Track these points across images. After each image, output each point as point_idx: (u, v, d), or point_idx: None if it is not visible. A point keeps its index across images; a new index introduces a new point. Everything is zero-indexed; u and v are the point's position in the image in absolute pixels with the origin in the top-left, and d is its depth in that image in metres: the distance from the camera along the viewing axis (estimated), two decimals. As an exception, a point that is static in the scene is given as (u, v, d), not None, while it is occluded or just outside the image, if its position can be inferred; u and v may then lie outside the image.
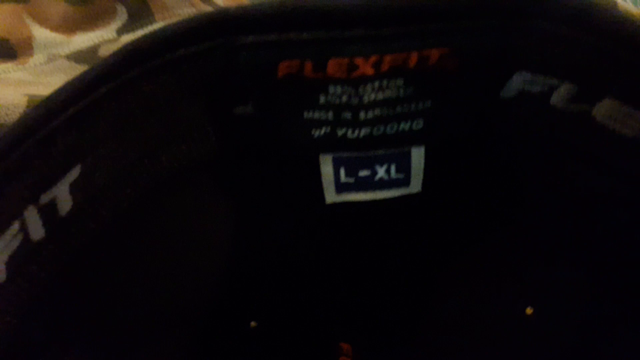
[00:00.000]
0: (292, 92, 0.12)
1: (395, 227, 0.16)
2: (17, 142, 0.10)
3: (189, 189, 0.14)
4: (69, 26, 0.38)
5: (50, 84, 0.35)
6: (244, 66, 0.12)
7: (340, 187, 0.14)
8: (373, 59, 0.11)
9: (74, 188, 0.11)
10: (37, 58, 0.37)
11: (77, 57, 0.37)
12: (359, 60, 0.11)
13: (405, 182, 0.14)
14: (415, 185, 0.14)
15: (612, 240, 0.15)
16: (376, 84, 0.12)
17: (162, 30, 0.11)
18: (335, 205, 0.15)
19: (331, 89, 0.12)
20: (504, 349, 0.17)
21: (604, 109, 0.12)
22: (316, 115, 0.13)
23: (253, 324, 0.17)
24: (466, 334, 0.18)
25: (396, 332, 0.18)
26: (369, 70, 0.11)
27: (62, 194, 0.11)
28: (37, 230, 0.11)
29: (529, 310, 0.17)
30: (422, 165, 0.14)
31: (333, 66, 0.11)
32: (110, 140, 0.12)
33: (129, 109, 0.12)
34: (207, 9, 0.41)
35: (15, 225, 0.11)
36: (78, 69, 0.38)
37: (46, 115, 0.11)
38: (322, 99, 0.12)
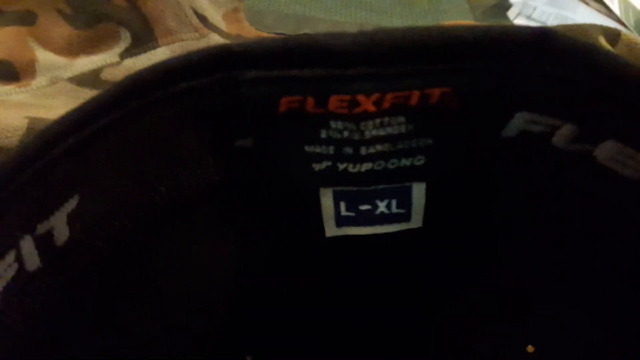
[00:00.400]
0: (293, 127, 0.12)
1: (395, 262, 0.16)
2: (16, 172, 0.10)
3: (188, 221, 0.14)
4: (73, 49, 0.39)
5: (52, 106, 0.36)
6: (246, 100, 0.12)
7: (341, 221, 0.14)
8: (375, 96, 0.11)
9: (71, 218, 0.11)
10: (40, 81, 0.37)
11: (79, 80, 0.38)
12: (360, 98, 0.11)
13: (406, 217, 0.14)
14: (416, 220, 0.14)
15: (613, 279, 0.14)
16: (377, 120, 0.12)
17: (164, 63, 0.11)
18: (335, 238, 0.14)
19: (333, 124, 0.12)
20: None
21: (605, 150, 0.12)
22: (317, 149, 0.13)
23: (249, 358, 0.17)
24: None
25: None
26: (371, 108, 0.11)
27: (59, 224, 0.11)
28: (32, 261, 0.11)
29: (530, 348, 0.17)
30: (423, 201, 0.14)
31: (335, 102, 0.11)
32: (109, 171, 0.12)
33: (129, 140, 0.12)
34: (211, 34, 0.41)
35: (11, 255, 0.10)
36: (80, 92, 0.38)
37: (45, 145, 0.11)
38: (323, 134, 0.12)
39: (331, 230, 0.14)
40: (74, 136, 0.11)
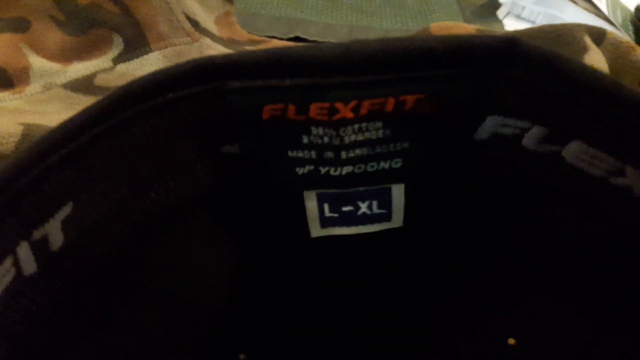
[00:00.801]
0: (276, 133, 0.13)
1: (379, 260, 0.16)
2: (12, 180, 0.11)
3: (181, 225, 0.14)
4: (66, 55, 0.39)
5: (46, 112, 0.36)
6: (231, 109, 0.12)
7: (325, 222, 0.15)
8: (352, 103, 0.12)
9: (65, 224, 0.12)
10: (34, 87, 0.38)
11: (73, 85, 0.38)
12: (339, 105, 0.12)
13: (387, 217, 0.15)
14: (397, 220, 0.15)
15: (589, 273, 0.15)
16: (356, 126, 0.12)
17: (153, 75, 0.12)
18: (320, 239, 0.15)
19: (314, 130, 0.13)
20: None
21: (572, 151, 0.12)
22: (300, 154, 0.13)
23: (242, 356, 0.18)
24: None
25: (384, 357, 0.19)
26: (349, 114, 0.12)
27: (54, 230, 0.12)
28: (29, 265, 0.12)
29: (511, 341, 0.18)
30: (403, 202, 0.14)
31: (315, 110, 0.12)
32: (102, 179, 0.12)
33: (120, 149, 0.12)
34: (203, 38, 0.42)
35: (8, 261, 0.11)
36: (74, 98, 0.39)
37: (40, 154, 0.11)
38: (305, 139, 0.13)
39: (316, 231, 0.15)
40: (67, 145, 0.11)
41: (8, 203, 0.11)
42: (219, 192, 0.14)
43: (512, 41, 0.11)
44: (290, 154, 0.13)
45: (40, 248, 0.12)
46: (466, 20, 0.50)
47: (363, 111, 0.12)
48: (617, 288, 0.15)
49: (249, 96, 0.12)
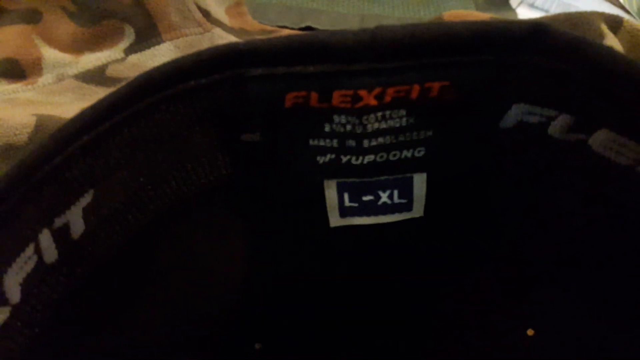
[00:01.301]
0: (298, 121, 0.13)
1: (398, 250, 0.16)
2: (34, 169, 0.11)
3: (198, 213, 0.14)
4: (78, 46, 0.39)
5: (59, 103, 0.36)
6: (253, 96, 0.12)
7: (344, 211, 0.15)
8: (376, 91, 0.12)
9: (86, 212, 0.12)
10: (46, 78, 0.38)
11: (85, 76, 0.38)
12: (362, 92, 0.12)
13: (408, 207, 0.14)
14: (418, 209, 0.15)
15: (607, 264, 0.15)
16: (379, 114, 0.12)
17: (175, 62, 0.12)
18: (339, 228, 0.15)
19: (336, 119, 0.12)
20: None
21: (599, 139, 0.12)
22: (321, 142, 0.13)
23: (258, 345, 0.18)
24: (470, 354, 0.18)
25: (399, 352, 0.19)
26: (373, 102, 0.12)
27: (75, 218, 0.12)
28: (50, 253, 0.11)
29: (530, 332, 0.18)
30: (424, 191, 0.14)
31: (338, 97, 0.12)
32: (122, 167, 0.12)
33: (141, 136, 0.12)
34: (214, 29, 0.41)
35: (31, 248, 0.11)
36: (86, 89, 0.39)
37: (62, 143, 0.11)
38: (327, 128, 0.13)
39: (335, 220, 0.15)
40: (88, 133, 0.11)
41: (30, 191, 0.11)
42: (238, 181, 0.14)
43: (538, 27, 0.11)
44: (311, 142, 0.13)
45: (62, 236, 0.12)
46: (479, 9, 0.50)
47: (387, 98, 0.12)
48: (634, 280, 0.15)
49: (271, 84, 0.12)
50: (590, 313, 0.16)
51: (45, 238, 0.11)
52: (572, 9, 0.49)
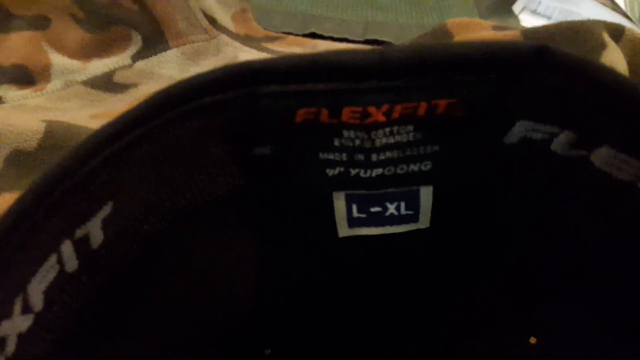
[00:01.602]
0: (309, 136, 0.13)
1: (406, 260, 0.17)
2: (58, 182, 0.11)
3: (211, 223, 0.15)
4: (86, 53, 0.40)
5: (67, 109, 0.37)
6: (265, 112, 0.13)
7: (353, 222, 0.15)
8: (385, 107, 0.12)
9: (105, 223, 0.12)
10: (55, 84, 0.38)
11: (93, 82, 0.39)
12: (371, 109, 0.12)
13: (414, 218, 0.15)
14: (424, 221, 0.15)
15: (611, 277, 0.15)
16: (387, 129, 0.13)
17: (192, 80, 0.12)
18: (348, 238, 0.15)
19: (345, 133, 0.13)
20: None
21: (601, 155, 0.12)
22: (331, 156, 0.13)
23: (267, 351, 0.18)
24: (474, 354, 0.19)
25: (406, 358, 0.19)
26: (381, 118, 0.12)
27: (94, 229, 0.12)
28: (71, 263, 0.12)
29: (532, 340, 0.18)
30: (431, 203, 0.15)
31: (347, 113, 0.12)
32: (140, 179, 0.13)
33: (158, 150, 0.13)
34: (220, 35, 0.42)
35: (53, 258, 0.11)
36: (94, 95, 0.39)
37: (84, 157, 0.12)
38: (336, 142, 0.13)
39: (343, 230, 0.15)
40: (109, 147, 0.12)
41: (54, 204, 0.11)
42: (250, 192, 0.15)
43: (543, 48, 0.11)
44: (321, 155, 0.13)
45: (82, 246, 0.12)
46: (482, 16, 0.50)
47: (395, 115, 0.12)
48: (635, 290, 0.15)
49: (283, 100, 0.12)
50: (595, 325, 0.17)
51: (67, 248, 0.12)
52: (574, 16, 0.49)
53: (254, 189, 0.15)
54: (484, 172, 0.14)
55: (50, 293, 0.12)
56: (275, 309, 0.18)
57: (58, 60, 0.38)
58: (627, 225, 0.13)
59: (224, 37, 0.40)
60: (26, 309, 0.11)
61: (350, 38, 0.43)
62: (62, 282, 0.12)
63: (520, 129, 0.13)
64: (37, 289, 0.11)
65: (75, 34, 0.38)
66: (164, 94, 0.12)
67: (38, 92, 0.36)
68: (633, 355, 0.16)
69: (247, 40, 0.42)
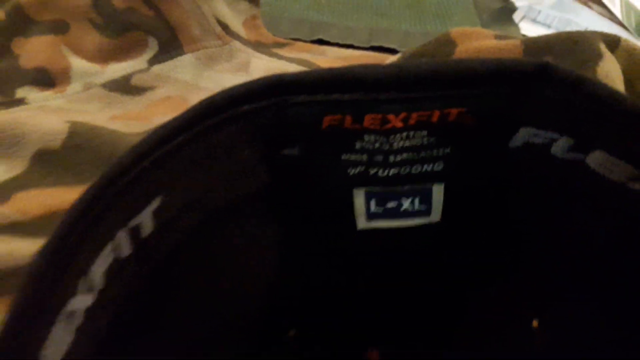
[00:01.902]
0: (333, 139, 0.15)
1: (418, 250, 0.18)
2: (115, 180, 0.13)
3: (240, 217, 0.16)
4: (103, 56, 0.41)
5: (88, 111, 0.38)
6: (294, 118, 0.14)
7: (371, 216, 0.17)
8: (402, 115, 0.14)
9: (154, 215, 0.14)
10: (74, 86, 0.40)
11: (111, 85, 0.40)
12: (390, 116, 0.14)
13: (427, 212, 0.16)
14: (435, 215, 0.17)
15: (609, 266, 0.17)
16: (404, 134, 0.14)
17: (230, 90, 0.14)
18: (365, 231, 0.17)
19: (366, 137, 0.14)
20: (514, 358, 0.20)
21: (595, 159, 0.14)
22: (352, 157, 0.15)
23: (292, 332, 0.20)
24: (481, 343, 0.20)
25: (419, 340, 0.20)
26: (399, 124, 0.14)
27: (145, 220, 0.14)
28: (125, 249, 0.13)
29: (535, 323, 0.20)
30: (442, 199, 0.16)
31: (369, 120, 0.14)
32: (183, 177, 0.14)
33: (200, 152, 0.14)
34: (232, 41, 0.43)
35: (110, 245, 0.13)
36: (112, 97, 0.41)
37: (137, 158, 0.13)
38: (358, 145, 0.15)
39: (362, 224, 0.17)
40: (159, 149, 0.13)
41: (112, 199, 0.13)
42: (276, 189, 0.16)
43: (546, 66, 0.13)
44: (343, 157, 0.15)
45: (134, 235, 0.14)
46: (483, 24, 0.51)
47: (411, 121, 0.14)
48: (633, 284, 0.16)
49: (311, 108, 0.14)
50: (592, 308, 0.18)
51: (122, 237, 0.13)
52: (573, 25, 0.51)
53: (281, 185, 0.16)
54: (491, 172, 0.15)
55: (107, 276, 0.13)
56: (300, 293, 0.19)
57: (77, 63, 0.39)
58: (619, 221, 0.15)
59: (236, 44, 0.42)
60: (90, 287, 0.12)
61: (356, 44, 0.45)
62: (117, 267, 0.13)
63: (523, 135, 0.14)
64: (99, 271, 0.13)
65: (94, 39, 0.40)
66: (206, 103, 0.13)
67: (59, 94, 0.37)
68: (632, 346, 0.17)
69: (258, 46, 0.43)
